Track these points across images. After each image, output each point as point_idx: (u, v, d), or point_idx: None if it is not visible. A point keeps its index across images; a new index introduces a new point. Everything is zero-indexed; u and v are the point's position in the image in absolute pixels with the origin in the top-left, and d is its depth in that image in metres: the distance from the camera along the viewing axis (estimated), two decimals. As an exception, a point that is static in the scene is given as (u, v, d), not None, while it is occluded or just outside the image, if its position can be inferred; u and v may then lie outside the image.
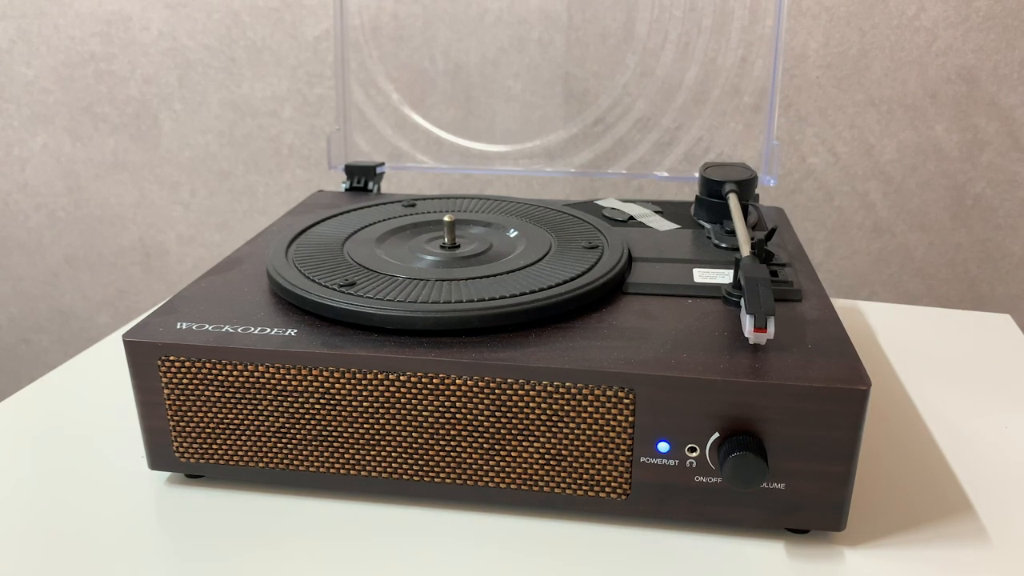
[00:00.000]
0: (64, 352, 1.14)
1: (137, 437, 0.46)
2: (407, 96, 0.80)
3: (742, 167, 0.62)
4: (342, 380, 0.43)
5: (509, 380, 0.41)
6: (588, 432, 0.42)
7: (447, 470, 0.44)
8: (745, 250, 0.47)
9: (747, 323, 0.41)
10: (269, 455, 0.45)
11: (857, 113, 0.86)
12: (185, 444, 0.46)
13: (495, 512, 0.45)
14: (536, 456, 0.43)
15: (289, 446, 0.45)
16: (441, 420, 0.43)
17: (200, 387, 0.44)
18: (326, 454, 0.45)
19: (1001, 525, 0.44)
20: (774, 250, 0.54)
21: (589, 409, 0.41)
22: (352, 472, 0.45)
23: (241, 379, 0.43)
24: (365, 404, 0.43)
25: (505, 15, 0.81)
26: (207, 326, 0.45)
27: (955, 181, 0.87)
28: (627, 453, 0.42)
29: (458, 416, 0.42)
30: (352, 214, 0.61)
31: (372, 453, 0.44)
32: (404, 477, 0.44)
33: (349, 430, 0.44)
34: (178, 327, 0.45)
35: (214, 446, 0.45)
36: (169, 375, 0.44)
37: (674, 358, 0.41)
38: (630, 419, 0.41)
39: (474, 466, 0.43)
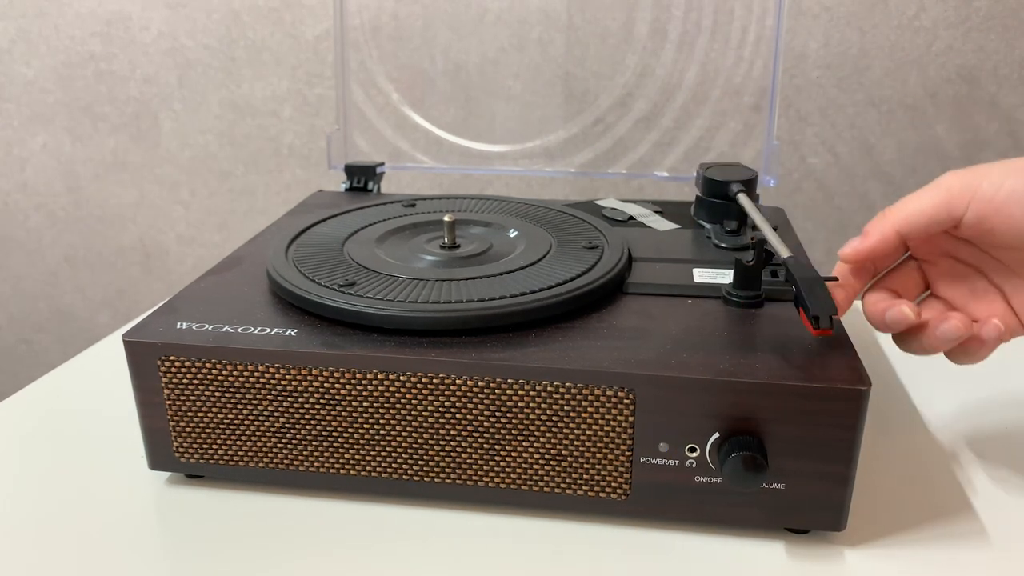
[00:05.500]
0: (64, 352, 1.14)
1: (137, 437, 0.46)
2: (407, 96, 0.79)
3: (741, 167, 0.62)
4: (342, 380, 0.42)
5: (509, 380, 0.41)
6: (588, 432, 0.41)
7: (447, 470, 0.44)
8: (783, 251, 0.45)
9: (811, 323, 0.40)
10: (269, 455, 0.45)
11: (857, 113, 0.86)
12: (185, 444, 0.46)
13: (495, 512, 0.45)
14: (536, 456, 0.43)
15: (289, 446, 0.45)
16: (441, 420, 0.43)
17: (200, 387, 0.44)
18: (326, 454, 0.44)
19: (1001, 525, 0.44)
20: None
21: (589, 409, 0.41)
22: (352, 472, 0.45)
23: (241, 379, 0.43)
24: (365, 404, 0.43)
25: (505, 15, 0.81)
26: (207, 326, 0.45)
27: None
28: (627, 453, 0.42)
29: (458, 416, 0.42)
30: (352, 214, 0.61)
31: (372, 453, 0.44)
32: (404, 477, 0.44)
33: (349, 430, 0.44)
34: (178, 327, 0.45)
35: (214, 446, 0.45)
36: (169, 375, 0.44)
37: (674, 358, 0.41)
38: (630, 419, 0.41)
39: (474, 466, 0.43)
